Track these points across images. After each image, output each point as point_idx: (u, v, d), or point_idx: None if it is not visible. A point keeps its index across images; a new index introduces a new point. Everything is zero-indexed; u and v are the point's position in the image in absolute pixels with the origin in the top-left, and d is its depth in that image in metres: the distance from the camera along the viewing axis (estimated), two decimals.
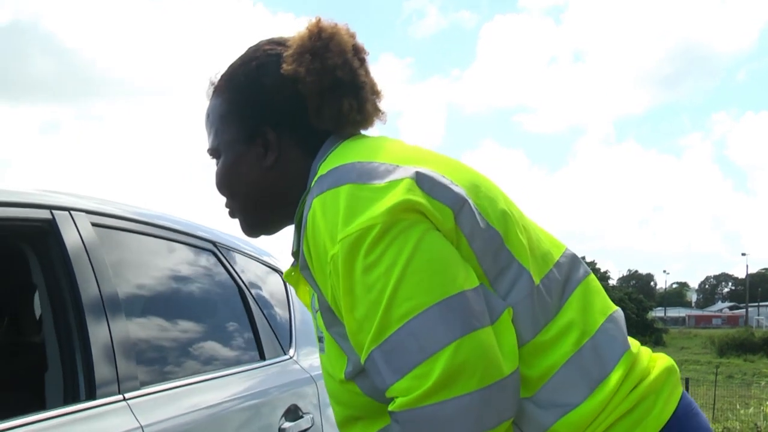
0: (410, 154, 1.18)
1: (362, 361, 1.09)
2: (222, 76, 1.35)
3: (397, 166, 1.13)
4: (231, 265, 2.48)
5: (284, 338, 2.57)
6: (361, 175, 1.12)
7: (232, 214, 1.36)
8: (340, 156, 1.19)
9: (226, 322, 2.43)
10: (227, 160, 1.31)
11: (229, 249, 2.54)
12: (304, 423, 2.34)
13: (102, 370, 1.70)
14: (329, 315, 1.18)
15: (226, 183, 1.32)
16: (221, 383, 2.13)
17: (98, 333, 1.72)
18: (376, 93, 1.31)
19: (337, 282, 1.08)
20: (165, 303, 2.19)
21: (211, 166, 1.35)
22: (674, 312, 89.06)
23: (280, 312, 2.65)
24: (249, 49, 1.34)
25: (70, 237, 1.78)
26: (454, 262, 1.07)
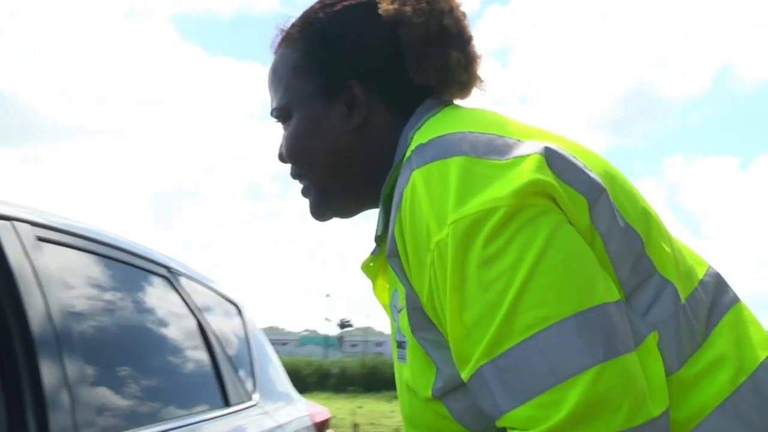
0: (530, 129, 0.99)
1: (465, 377, 0.88)
2: (295, 22, 1.13)
3: (519, 140, 0.94)
4: (187, 294, 2.15)
5: (247, 380, 2.25)
6: (476, 147, 0.92)
7: (307, 189, 1.13)
8: (442, 124, 0.99)
9: (184, 359, 2.09)
10: (301, 120, 1.09)
11: (184, 276, 2.21)
12: None
13: (59, 419, 1.36)
14: (420, 316, 0.97)
15: (298, 149, 1.10)
16: None
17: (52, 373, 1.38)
18: (478, 57, 1.11)
19: (441, 275, 0.88)
20: (115, 336, 1.85)
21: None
22: None
23: (241, 349, 2.32)
24: None
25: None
26: (593, 265, 0.87)
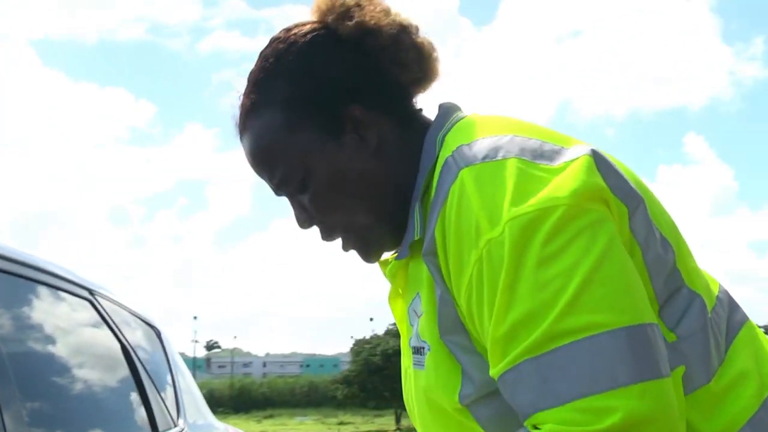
0: (564, 136, 0.98)
1: (499, 371, 0.85)
2: (249, 91, 1.06)
3: (562, 146, 0.93)
4: (110, 317, 2.07)
5: (172, 406, 2.18)
6: (525, 151, 0.91)
7: (349, 241, 1.07)
8: (482, 127, 0.98)
9: (109, 384, 2.00)
10: (322, 172, 1.02)
11: (106, 298, 2.12)
12: None
13: None
14: (451, 318, 0.93)
15: (333, 202, 1.03)
16: None
17: None
18: (431, 41, 1.10)
19: (489, 273, 0.86)
20: (35, 359, 1.75)
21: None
22: None
23: (164, 374, 2.25)
24: (268, 49, 1.07)
25: None
26: (640, 282, 0.88)
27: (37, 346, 1.78)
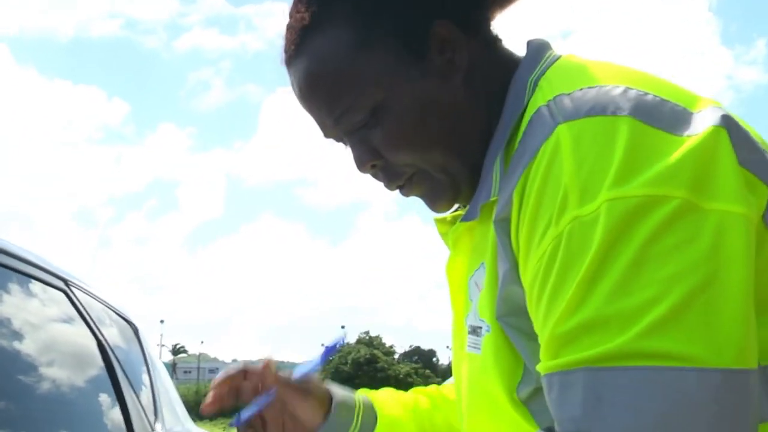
0: (686, 92, 0.80)
1: (546, 371, 0.71)
2: (308, 6, 0.87)
3: (686, 108, 0.75)
4: (86, 311, 1.90)
5: (149, 409, 2.02)
6: (641, 109, 0.73)
7: (421, 187, 0.90)
8: (588, 73, 0.80)
9: (84, 383, 1.83)
10: (399, 103, 0.85)
11: (82, 290, 1.96)
12: None
13: None
14: (514, 297, 0.78)
15: (412, 138, 0.86)
16: None
17: None
18: None
19: (568, 258, 0.70)
20: (3, 358, 1.59)
21: None
22: None
23: (141, 375, 2.09)
24: None
25: None
26: (752, 314, 0.70)
27: (4, 341, 1.62)
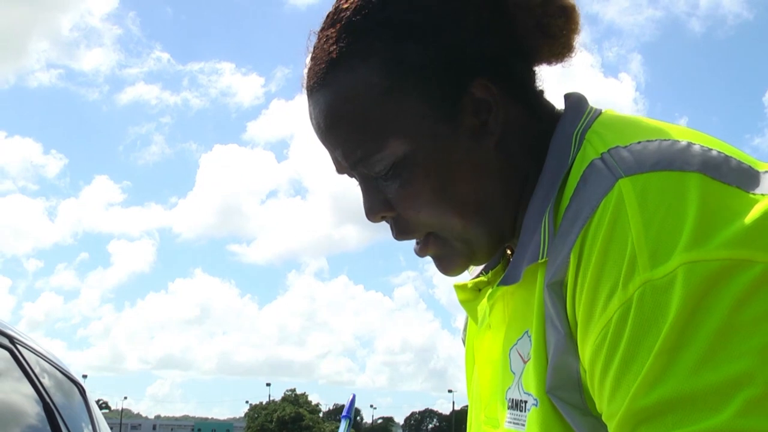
0: (741, 152, 0.75)
1: None
2: (339, 39, 0.80)
3: (752, 167, 0.70)
4: (32, 370, 1.83)
5: None
6: (708, 165, 0.68)
7: (435, 248, 0.84)
8: (632, 127, 0.76)
9: None
10: (422, 161, 0.79)
11: (28, 349, 1.88)
12: None
13: None
14: (568, 370, 0.72)
15: (431, 198, 0.79)
16: None
17: None
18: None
19: (639, 326, 0.64)
20: None
21: None
22: None
23: None
24: None
25: None
26: None
27: None
